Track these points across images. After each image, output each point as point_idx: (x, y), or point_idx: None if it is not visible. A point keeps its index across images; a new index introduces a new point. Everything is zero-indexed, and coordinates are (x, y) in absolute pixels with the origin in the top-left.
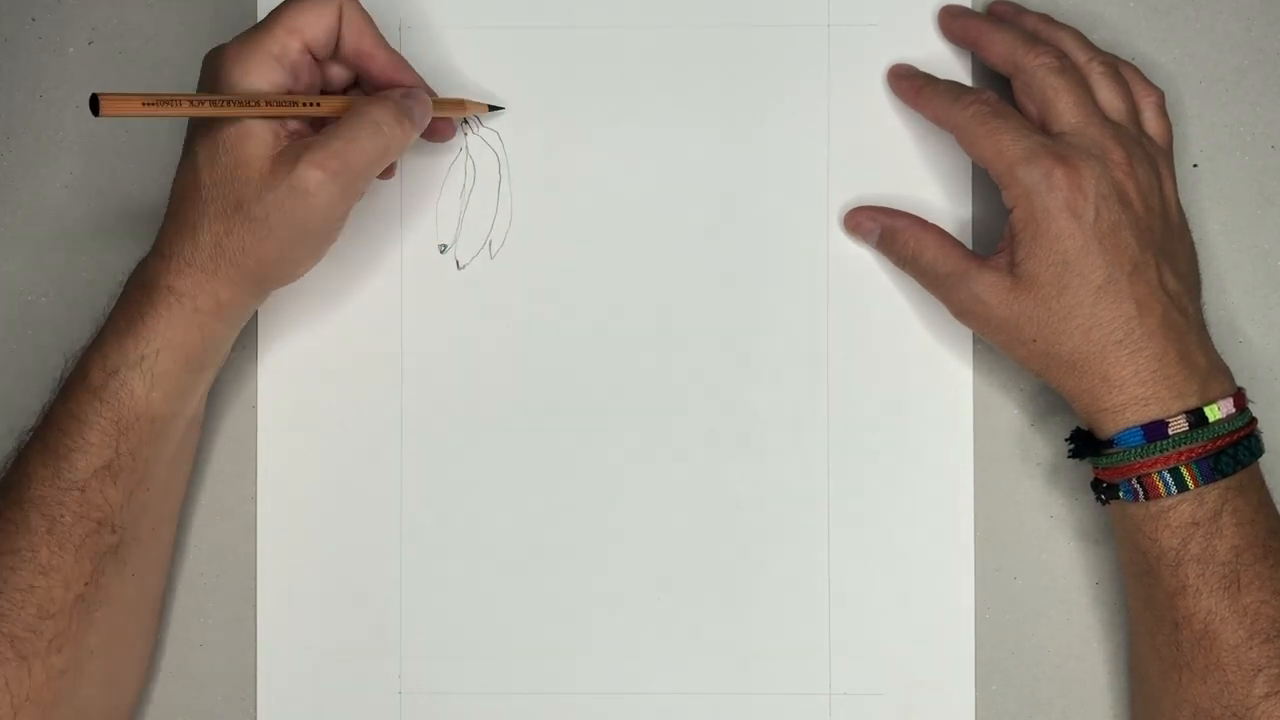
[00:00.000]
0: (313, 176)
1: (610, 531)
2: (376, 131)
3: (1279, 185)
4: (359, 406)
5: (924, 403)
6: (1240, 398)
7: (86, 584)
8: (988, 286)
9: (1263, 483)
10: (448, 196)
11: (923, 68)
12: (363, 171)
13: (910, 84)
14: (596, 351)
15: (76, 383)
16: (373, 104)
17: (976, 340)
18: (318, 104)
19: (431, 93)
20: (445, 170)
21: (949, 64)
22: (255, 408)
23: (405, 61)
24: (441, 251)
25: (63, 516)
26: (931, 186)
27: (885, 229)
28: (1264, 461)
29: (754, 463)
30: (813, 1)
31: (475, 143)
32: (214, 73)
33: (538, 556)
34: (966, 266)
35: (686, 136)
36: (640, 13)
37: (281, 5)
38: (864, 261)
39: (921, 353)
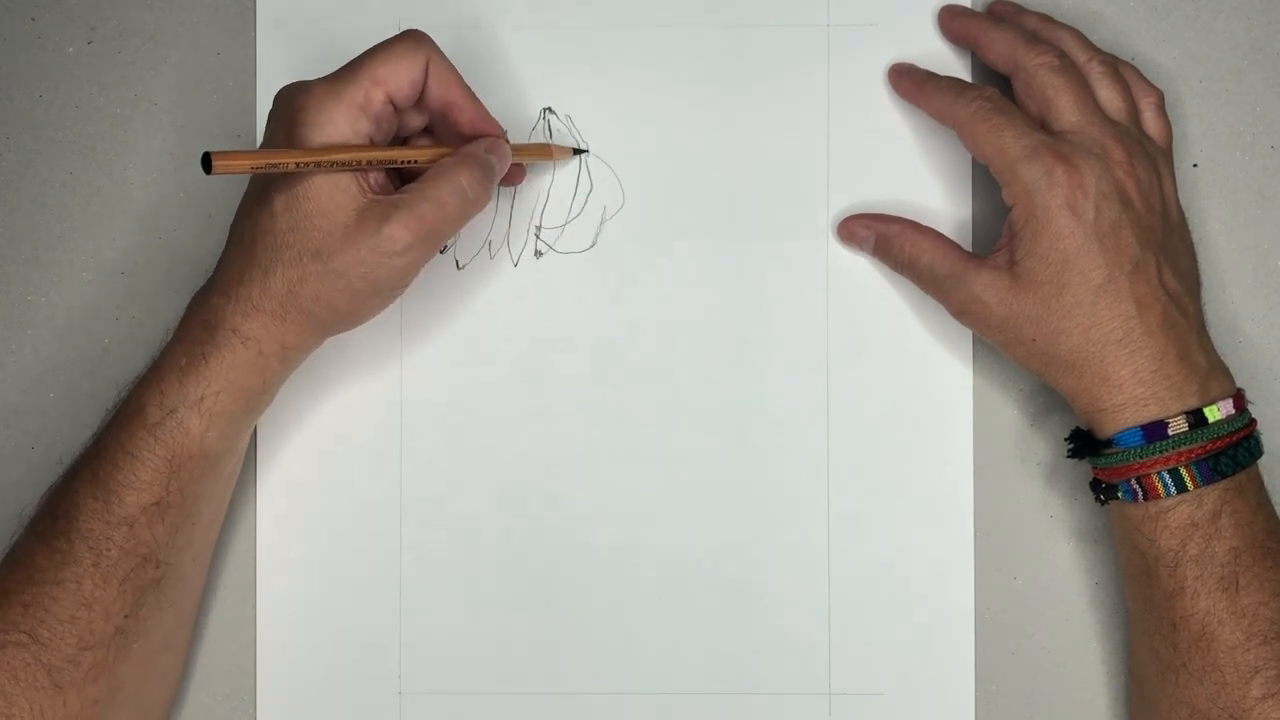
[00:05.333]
0: (401, 238)
1: (610, 531)
2: (462, 196)
3: (1279, 185)
4: (358, 406)
5: (924, 403)
6: (1240, 398)
7: (126, 616)
8: (986, 286)
9: (1262, 484)
10: None
11: (922, 67)
12: (446, 233)
13: (912, 80)
14: (596, 351)
15: (132, 419)
16: (459, 167)
17: (976, 340)
18: (415, 160)
19: (506, 138)
20: None
21: (949, 63)
22: None
23: (488, 112)
24: (441, 251)
25: (109, 551)
26: (931, 186)
27: (880, 235)
28: (1263, 463)
29: (754, 463)
30: (813, 1)
31: None
32: (293, 114)
33: (537, 557)
34: (964, 267)
35: (685, 136)
36: (639, 12)
37: (369, 54)
38: (864, 261)
39: (921, 353)
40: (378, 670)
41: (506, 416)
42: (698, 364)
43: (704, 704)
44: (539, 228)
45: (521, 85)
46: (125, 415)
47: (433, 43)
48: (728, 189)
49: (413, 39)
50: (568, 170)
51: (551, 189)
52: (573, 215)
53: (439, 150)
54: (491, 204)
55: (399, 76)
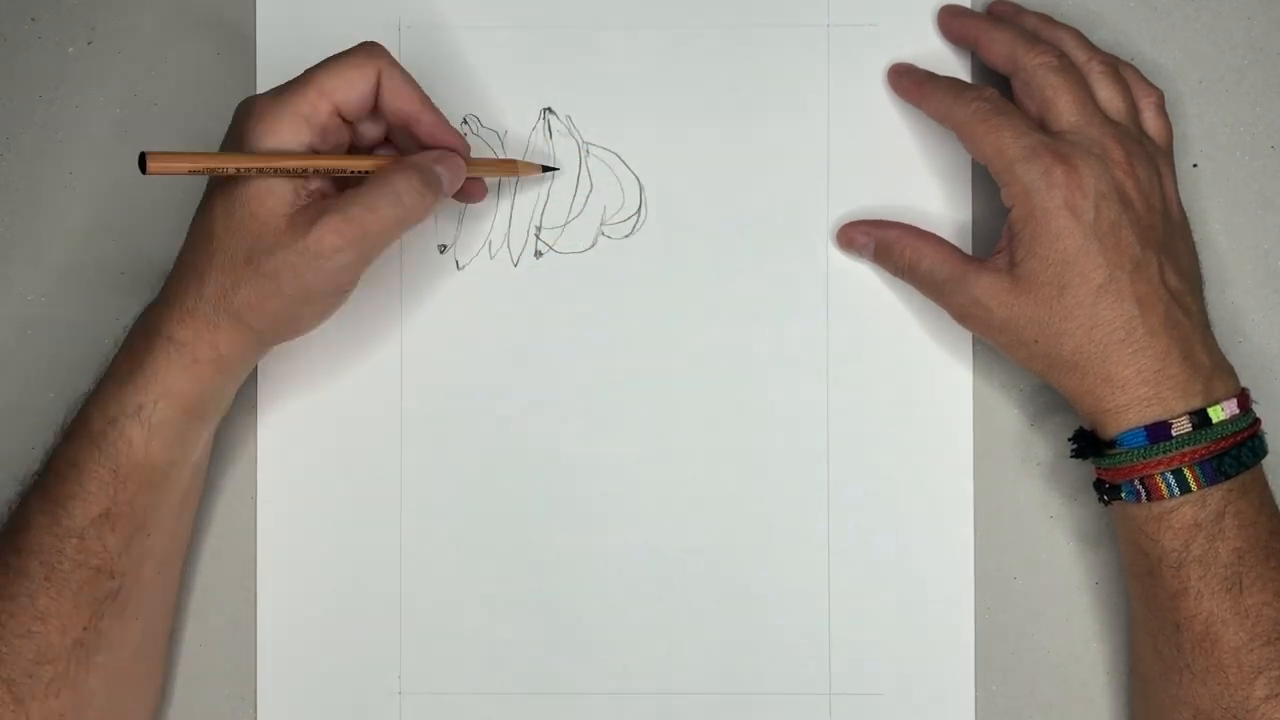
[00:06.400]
0: (328, 241)
1: (610, 531)
2: (397, 202)
3: (1279, 185)
4: (359, 406)
5: (924, 403)
6: (1244, 398)
7: (85, 629)
8: (986, 288)
9: (1266, 484)
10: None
11: (922, 67)
12: (379, 239)
13: (911, 80)
14: (596, 351)
15: (78, 430)
16: (397, 173)
17: (976, 340)
18: (356, 169)
19: (465, 152)
20: None
21: (949, 64)
22: (255, 408)
23: (448, 124)
24: (441, 251)
25: (60, 563)
26: (931, 188)
27: (879, 242)
28: (1267, 463)
29: (754, 463)
30: (813, 1)
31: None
32: (240, 123)
33: (537, 557)
34: (965, 270)
35: (685, 136)
36: (639, 12)
37: (320, 65)
38: (863, 262)
39: (921, 353)
40: (378, 670)
41: (506, 417)
42: (698, 364)
43: (704, 704)
44: (539, 228)
45: (521, 85)
46: (72, 428)
47: (387, 54)
48: (728, 189)
49: (365, 51)
50: (568, 171)
51: (551, 189)
52: (573, 215)
53: (381, 159)
54: (492, 204)
55: (347, 89)
